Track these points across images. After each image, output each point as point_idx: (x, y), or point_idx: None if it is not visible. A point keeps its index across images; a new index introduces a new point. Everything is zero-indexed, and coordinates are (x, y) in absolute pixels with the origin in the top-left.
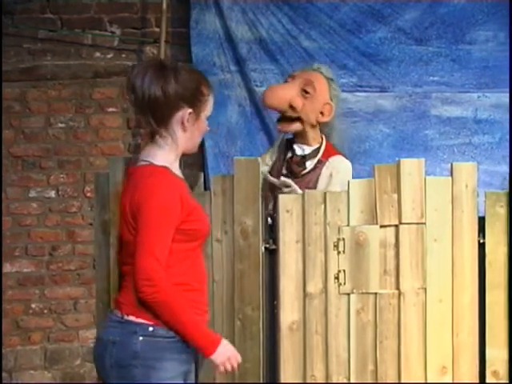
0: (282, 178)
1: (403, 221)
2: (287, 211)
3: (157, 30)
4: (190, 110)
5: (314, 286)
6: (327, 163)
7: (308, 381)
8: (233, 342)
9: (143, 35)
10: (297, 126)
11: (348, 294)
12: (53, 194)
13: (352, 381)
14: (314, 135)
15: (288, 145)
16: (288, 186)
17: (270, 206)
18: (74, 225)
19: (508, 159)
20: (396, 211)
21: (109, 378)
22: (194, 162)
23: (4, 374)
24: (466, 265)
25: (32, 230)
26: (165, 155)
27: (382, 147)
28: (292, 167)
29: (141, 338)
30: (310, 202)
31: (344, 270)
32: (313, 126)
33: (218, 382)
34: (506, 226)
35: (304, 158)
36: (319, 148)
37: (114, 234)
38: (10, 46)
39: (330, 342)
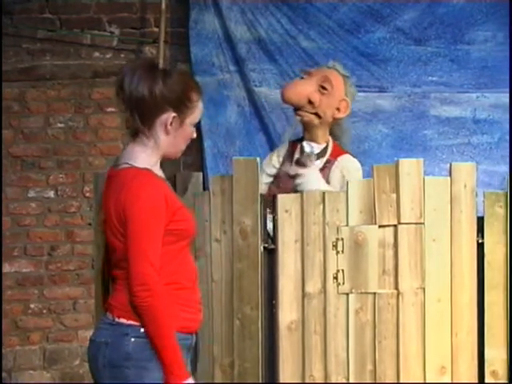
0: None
1: (402, 221)
2: (286, 211)
3: (156, 30)
4: (174, 114)
5: (313, 286)
6: (336, 162)
7: (307, 381)
8: (232, 342)
9: (142, 35)
10: (314, 118)
11: (347, 294)
12: (52, 194)
13: (351, 381)
14: (323, 133)
15: (294, 147)
16: (304, 167)
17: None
18: (73, 225)
19: (507, 159)
20: (395, 211)
21: (102, 378)
22: (193, 162)
23: (3, 374)
24: (464, 265)
25: (31, 230)
26: (146, 157)
27: (381, 147)
28: (302, 163)
29: (132, 340)
30: (308, 202)
31: (343, 270)
32: (326, 124)
33: (216, 382)
34: (505, 226)
35: (312, 155)
36: (327, 147)
37: None
38: (9, 45)
39: (328, 342)
